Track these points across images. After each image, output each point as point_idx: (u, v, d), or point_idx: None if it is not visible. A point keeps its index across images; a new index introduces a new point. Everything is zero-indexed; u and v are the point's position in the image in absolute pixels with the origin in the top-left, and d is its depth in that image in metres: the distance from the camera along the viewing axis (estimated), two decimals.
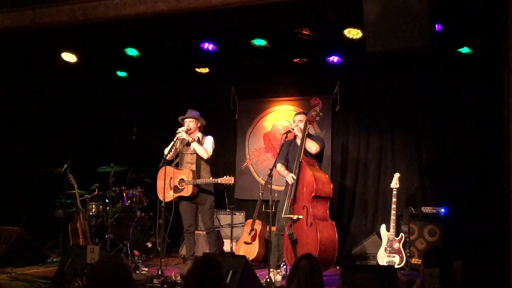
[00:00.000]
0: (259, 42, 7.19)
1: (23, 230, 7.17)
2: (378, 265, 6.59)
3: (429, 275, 3.42)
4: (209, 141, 6.69)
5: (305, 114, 6.53)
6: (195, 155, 6.64)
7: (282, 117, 8.56)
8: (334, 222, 6.17)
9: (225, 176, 6.45)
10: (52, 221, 7.89)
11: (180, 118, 6.74)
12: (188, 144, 6.66)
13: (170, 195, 6.52)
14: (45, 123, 8.37)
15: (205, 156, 6.57)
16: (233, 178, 6.46)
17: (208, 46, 7.52)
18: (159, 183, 6.47)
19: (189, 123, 6.65)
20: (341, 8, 5.91)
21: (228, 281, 4.80)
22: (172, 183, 6.53)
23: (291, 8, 5.93)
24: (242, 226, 7.95)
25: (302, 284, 3.38)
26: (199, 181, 6.49)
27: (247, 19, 6.15)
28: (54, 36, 6.84)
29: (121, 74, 8.96)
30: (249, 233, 7.49)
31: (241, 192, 8.71)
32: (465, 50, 6.98)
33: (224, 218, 8.18)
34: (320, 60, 7.98)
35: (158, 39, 7.31)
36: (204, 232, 6.93)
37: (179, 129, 6.55)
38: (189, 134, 6.62)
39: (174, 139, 6.49)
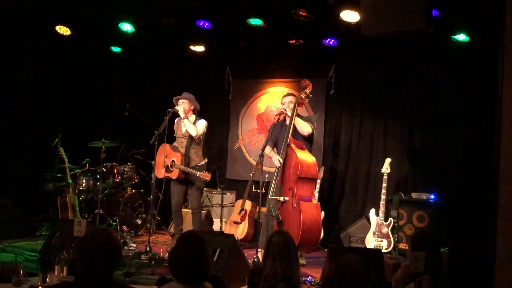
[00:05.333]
0: (255, 21, 7.09)
1: (11, 202, 7.16)
2: (364, 248, 6.62)
3: (414, 258, 3.44)
4: (201, 123, 6.70)
5: (293, 95, 6.48)
6: (185, 139, 6.66)
7: (276, 98, 8.46)
8: (319, 204, 6.21)
9: (205, 172, 6.51)
10: (42, 194, 7.89)
11: (174, 98, 6.72)
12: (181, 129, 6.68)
13: (162, 173, 6.69)
14: (37, 96, 8.32)
15: (193, 133, 6.57)
16: (210, 175, 6.50)
17: (204, 23, 7.44)
18: (158, 158, 6.55)
19: (182, 104, 6.63)
20: None
21: (215, 259, 4.82)
22: (165, 162, 6.57)
23: None
24: (232, 206, 7.95)
25: (277, 258, 3.45)
26: (182, 168, 6.55)
27: None
28: (48, 8, 6.78)
29: (116, 49, 8.87)
30: (239, 213, 7.50)
31: (233, 172, 8.70)
32: (461, 37, 6.93)
33: (214, 197, 8.20)
34: (316, 42, 7.88)
35: (152, 15, 7.24)
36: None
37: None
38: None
39: (165, 117, 6.47)
